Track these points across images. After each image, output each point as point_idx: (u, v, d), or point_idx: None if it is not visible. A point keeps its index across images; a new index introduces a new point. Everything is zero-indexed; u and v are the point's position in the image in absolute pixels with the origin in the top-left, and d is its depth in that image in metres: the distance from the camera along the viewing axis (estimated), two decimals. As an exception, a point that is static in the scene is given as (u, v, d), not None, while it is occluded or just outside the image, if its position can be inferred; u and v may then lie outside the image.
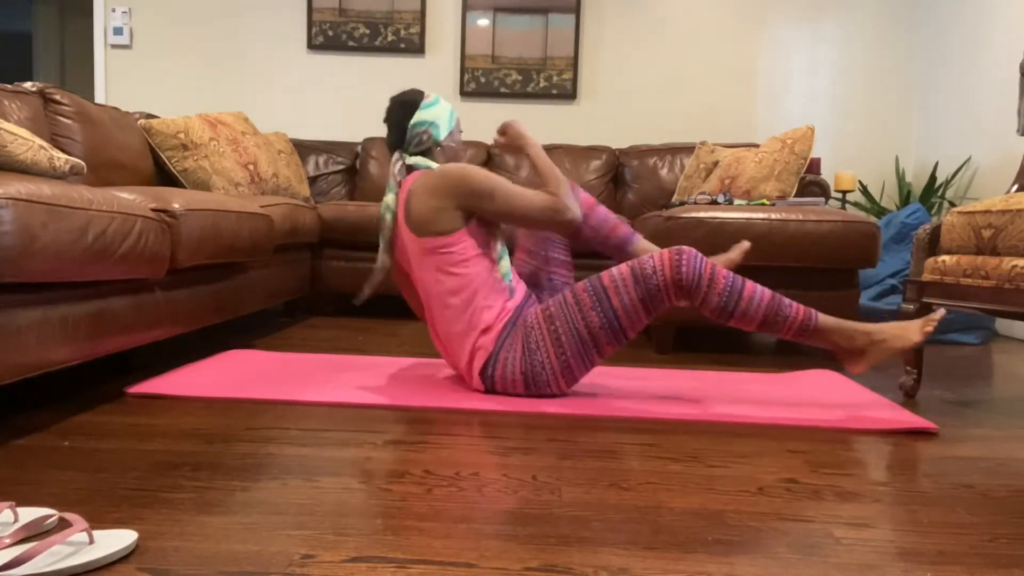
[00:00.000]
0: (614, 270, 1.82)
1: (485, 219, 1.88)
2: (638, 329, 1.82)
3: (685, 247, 1.79)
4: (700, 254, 1.79)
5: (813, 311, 1.77)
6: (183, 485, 1.20)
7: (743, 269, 2.63)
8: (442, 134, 2.00)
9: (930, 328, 1.75)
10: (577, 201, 2.03)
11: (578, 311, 1.80)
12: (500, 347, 1.83)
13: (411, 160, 1.97)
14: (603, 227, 2.07)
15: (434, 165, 1.93)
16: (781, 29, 4.38)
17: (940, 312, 1.77)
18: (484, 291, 1.84)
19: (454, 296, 1.85)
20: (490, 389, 1.89)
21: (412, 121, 1.98)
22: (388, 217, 1.93)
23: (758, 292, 1.76)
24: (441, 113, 2.01)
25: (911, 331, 1.77)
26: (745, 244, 2.05)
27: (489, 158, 4.08)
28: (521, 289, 1.93)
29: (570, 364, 1.82)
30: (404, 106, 1.99)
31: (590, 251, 3.35)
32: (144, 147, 2.88)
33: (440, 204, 1.82)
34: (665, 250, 1.81)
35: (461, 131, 2.08)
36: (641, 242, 2.08)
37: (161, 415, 1.62)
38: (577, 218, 1.85)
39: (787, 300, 1.77)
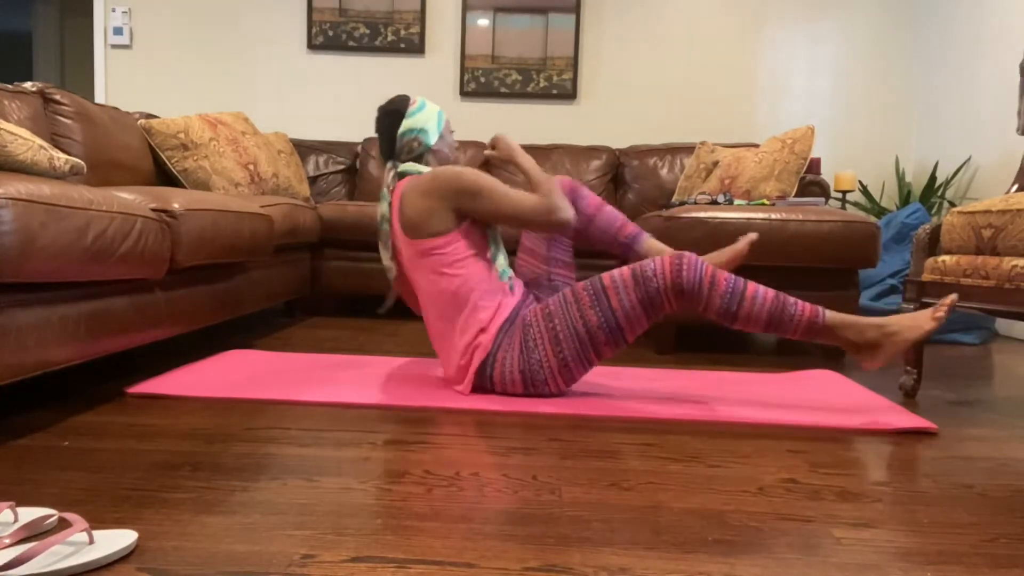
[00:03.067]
0: (615, 271, 1.82)
1: (479, 220, 1.88)
2: (637, 332, 1.81)
3: (687, 253, 1.79)
4: (701, 259, 1.79)
5: (820, 308, 1.76)
6: (183, 485, 1.20)
7: (743, 269, 2.63)
8: (432, 139, 1.99)
9: (941, 314, 1.72)
10: (584, 201, 2.03)
11: (577, 310, 1.80)
12: (498, 346, 1.83)
13: (403, 167, 1.98)
14: (610, 227, 2.06)
15: (425, 169, 1.94)
16: (781, 29, 4.38)
17: (952, 297, 1.74)
18: (479, 291, 1.84)
19: (450, 297, 1.85)
20: (488, 389, 1.89)
21: (400, 130, 1.98)
22: (386, 227, 1.94)
23: (760, 292, 1.76)
24: (428, 118, 2.00)
25: (922, 320, 1.75)
26: (752, 235, 2.04)
27: (487, 159, 4.08)
28: (519, 288, 1.93)
29: (568, 363, 1.82)
30: (390, 115, 1.99)
31: (593, 251, 3.35)
32: (144, 147, 2.88)
33: (432, 205, 1.83)
34: (667, 255, 1.81)
35: (452, 131, 2.07)
36: (649, 241, 2.07)
37: (161, 415, 1.62)
38: (568, 219, 1.84)
39: (792, 299, 1.76)
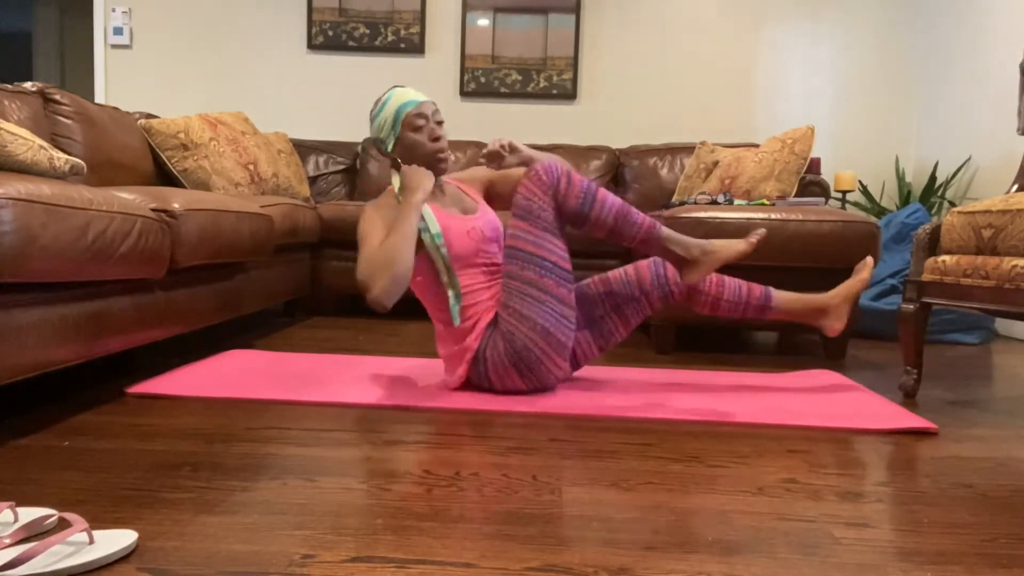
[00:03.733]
0: (509, 230, 1.88)
1: (421, 246, 1.87)
2: (563, 253, 1.86)
3: (536, 163, 1.88)
4: (559, 164, 1.88)
5: (657, 223, 1.88)
6: (183, 485, 1.20)
7: (743, 268, 2.63)
8: (389, 145, 1.95)
9: (755, 239, 1.86)
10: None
11: (517, 280, 1.83)
12: (484, 345, 1.84)
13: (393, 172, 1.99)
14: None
15: (395, 180, 1.93)
16: (781, 29, 4.38)
17: (762, 231, 1.89)
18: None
19: (435, 302, 1.91)
20: (487, 390, 1.89)
21: (368, 137, 1.99)
22: None
23: (610, 199, 1.86)
24: (383, 121, 1.93)
25: (736, 242, 1.88)
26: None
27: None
28: (485, 318, 1.90)
29: (549, 330, 1.81)
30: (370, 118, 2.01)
31: (592, 251, 3.35)
32: (144, 147, 2.88)
33: None
34: (527, 169, 1.89)
35: (424, 117, 1.91)
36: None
37: (161, 415, 1.62)
38: (376, 302, 1.69)
39: (635, 211, 1.88)
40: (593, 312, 2.00)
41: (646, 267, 2.01)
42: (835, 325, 2.06)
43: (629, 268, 2.03)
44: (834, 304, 2.05)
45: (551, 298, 1.82)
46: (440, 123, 1.96)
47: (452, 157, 1.98)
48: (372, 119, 1.96)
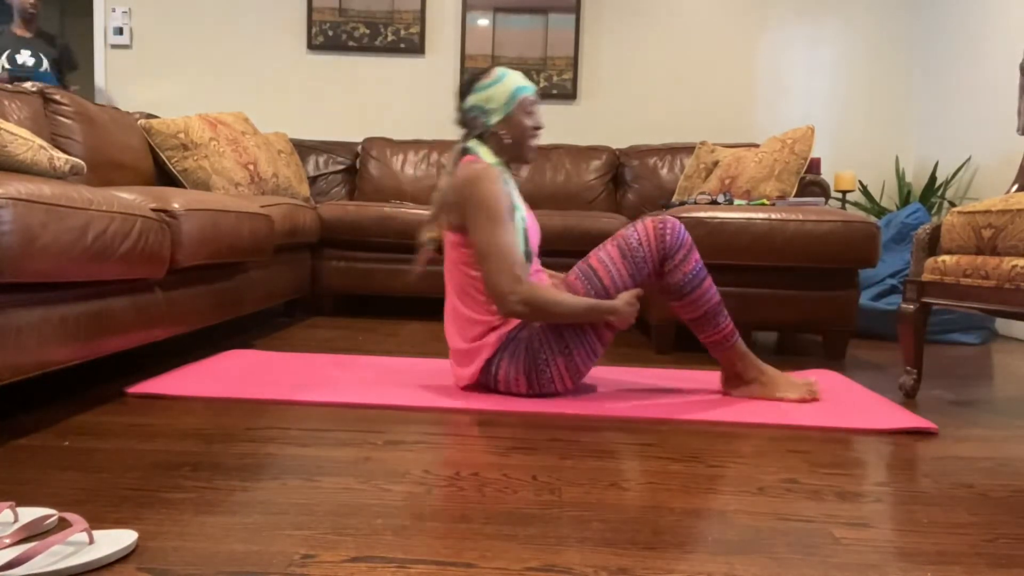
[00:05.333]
0: (601, 251, 1.85)
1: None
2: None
3: (669, 217, 1.83)
4: (683, 226, 1.85)
5: (736, 333, 1.90)
6: (183, 485, 1.20)
7: (744, 269, 2.63)
8: (493, 119, 1.87)
9: (811, 398, 1.89)
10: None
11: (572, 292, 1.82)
12: (504, 349, 1.82)
13: (468, 144, 1.91)
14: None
15: (483, 153, 1.87)
16: (781, 29, 4.38)
17: (818, 385, 1.90)
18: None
19: (468, 286, 1.85)
20: (491, 388, 1.89)
21: (466, 105, 1.90)
22: (437, 195, 1.89)
23: (711, 291, 1.86)
24: (497, 95, 1.86)
25: (794, 388, 1.90)
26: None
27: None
28: None
29: (574, 357, 1.82)
30: (464, 86, 1.91)
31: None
32: (144, 147, 2.88)
33: (453, 200, 1.82)
34: (648, 219, 1.84)
35: (531, 111, 1.90)
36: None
37: (161, 415, 1.62)
38: (515, 314, 1.75)
39: (725, 312, 1.89)
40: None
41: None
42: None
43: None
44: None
45: (594, 335, 1.82)
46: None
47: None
48: (477, 89, 1.87)
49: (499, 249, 1.74)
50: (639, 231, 1.82)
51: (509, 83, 1.87)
